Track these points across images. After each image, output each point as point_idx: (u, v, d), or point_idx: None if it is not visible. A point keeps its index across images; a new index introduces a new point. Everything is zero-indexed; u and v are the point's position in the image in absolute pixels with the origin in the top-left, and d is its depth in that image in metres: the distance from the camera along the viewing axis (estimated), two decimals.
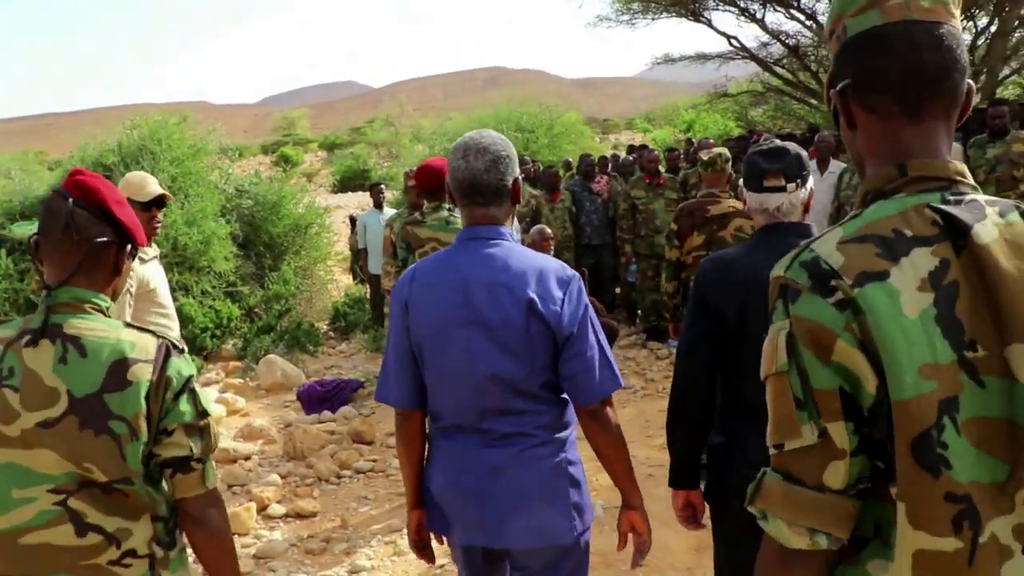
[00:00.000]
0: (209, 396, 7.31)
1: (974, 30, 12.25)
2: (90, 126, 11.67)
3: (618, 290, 9.76)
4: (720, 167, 4.89)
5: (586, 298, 2.31)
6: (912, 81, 1.29)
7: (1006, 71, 12.25)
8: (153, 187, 3.78)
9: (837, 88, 1.35)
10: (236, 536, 4.71)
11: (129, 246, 1.90)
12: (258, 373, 7.95)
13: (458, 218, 5.00)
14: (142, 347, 1.77)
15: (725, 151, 5.00)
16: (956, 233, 1.22)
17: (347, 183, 34.07)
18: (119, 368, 1.73)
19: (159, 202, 3.79)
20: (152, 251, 3.88)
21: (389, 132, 45.54)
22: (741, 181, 2.66)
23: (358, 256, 9.78)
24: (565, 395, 2.32)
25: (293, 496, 5.26)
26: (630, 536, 2.38)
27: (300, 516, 4.99)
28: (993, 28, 11.98)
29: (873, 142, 1.35)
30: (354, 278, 10.11)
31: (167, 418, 1.77)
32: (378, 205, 9.38)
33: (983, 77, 11.70)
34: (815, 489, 1.23)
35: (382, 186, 9.78)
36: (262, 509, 5.05)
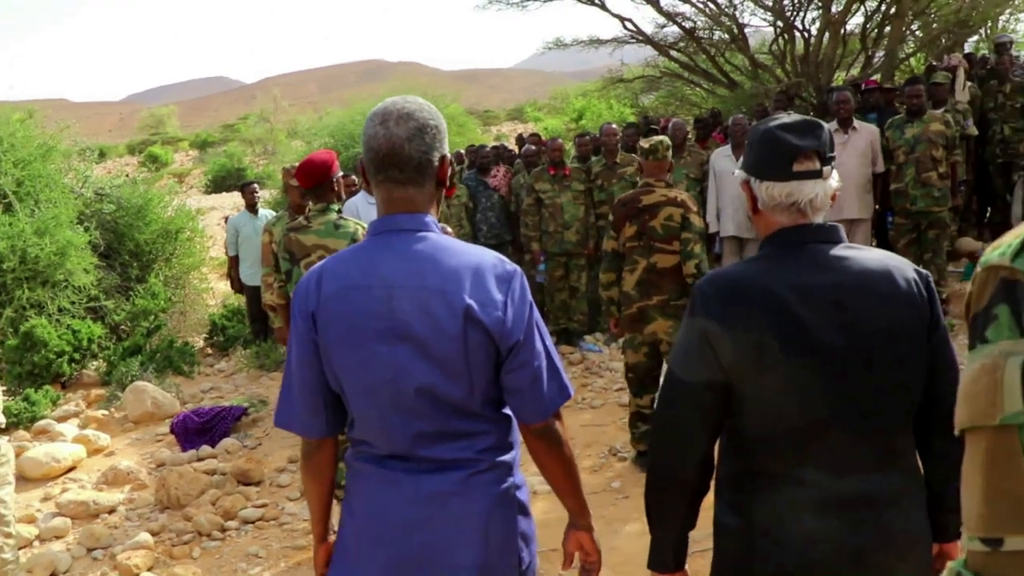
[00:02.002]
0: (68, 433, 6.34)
1: (865, 13, 12.20)
2: None
3: None
4: (662, 155, 4.74)
5: (530, 296, 1.95)
6: None
7: (901, 54, 12.26)
8: None
9: None
10: None
11: None
12: (125, 402, 6.96)
13: (348, 221, 4.36)
14: None
15: (666, 138, 4.84)
16: None
17: (221, 183, 32.70)
18: None
19: None
20: None
21: (264, 128, 44.18)
22: (740, 169, 1.97)
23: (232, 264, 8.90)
24: (508, 410, 1.98)
25: (168, 558, 4.43)
26: (576, 555, 2.12)
27: None
28: (881, 12, 11.98)
29: None
30: (232, 286, 9.27)
31: None
32: (251, 207, 8.48)
33: (881, 59, 11.64)
34: None
35: (255, 185, 8.87)
36: None
